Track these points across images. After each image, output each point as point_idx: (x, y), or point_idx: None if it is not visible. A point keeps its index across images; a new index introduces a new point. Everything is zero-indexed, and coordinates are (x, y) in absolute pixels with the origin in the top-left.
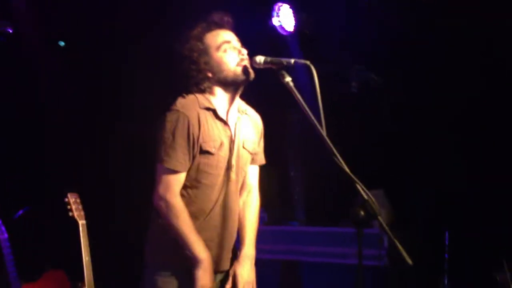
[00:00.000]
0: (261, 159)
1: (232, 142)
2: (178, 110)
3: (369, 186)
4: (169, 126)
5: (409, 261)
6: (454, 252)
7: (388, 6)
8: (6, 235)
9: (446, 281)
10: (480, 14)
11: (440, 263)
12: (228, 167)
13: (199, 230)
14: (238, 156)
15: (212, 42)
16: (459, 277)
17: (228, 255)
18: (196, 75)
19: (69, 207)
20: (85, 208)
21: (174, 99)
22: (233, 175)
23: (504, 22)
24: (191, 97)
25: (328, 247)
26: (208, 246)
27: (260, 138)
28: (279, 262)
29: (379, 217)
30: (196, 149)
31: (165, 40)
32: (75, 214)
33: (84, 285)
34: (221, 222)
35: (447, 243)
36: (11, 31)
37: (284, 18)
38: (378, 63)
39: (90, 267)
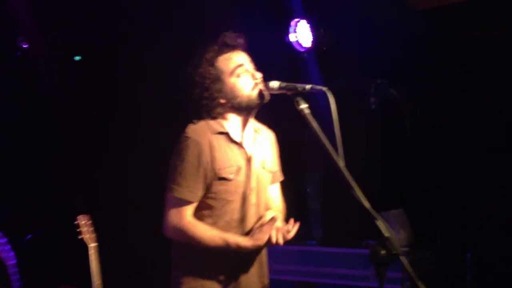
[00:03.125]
0: (280, 176)
1: (249, 164)
2: (188, 137)
3: (389, 206)
4: (179, 154)
5: None
6: (475, 275)
7: (406, 22)
8: (14, 261)
9: None
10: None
11: (462, 286)
12: (247, 191)
13: (215, 262)
14: (258, 177)
15: (224, 67)
16: None
17: (252, 278)
18: (209, 102)
19: (79, 229)
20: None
21: (186, 125)
22: (253, 198)
23: None
24: (201, 123)
25: (346, 268)
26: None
27: (277, 155)
28: (294, 284)
29: (402, 257)
30: (211, 177)
31: (178, 60)
32: (85, 237)
33: None
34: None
35: (468, 265)
36: (26, 46)
37: (301, 34)
38: (398, 79)
39: None
